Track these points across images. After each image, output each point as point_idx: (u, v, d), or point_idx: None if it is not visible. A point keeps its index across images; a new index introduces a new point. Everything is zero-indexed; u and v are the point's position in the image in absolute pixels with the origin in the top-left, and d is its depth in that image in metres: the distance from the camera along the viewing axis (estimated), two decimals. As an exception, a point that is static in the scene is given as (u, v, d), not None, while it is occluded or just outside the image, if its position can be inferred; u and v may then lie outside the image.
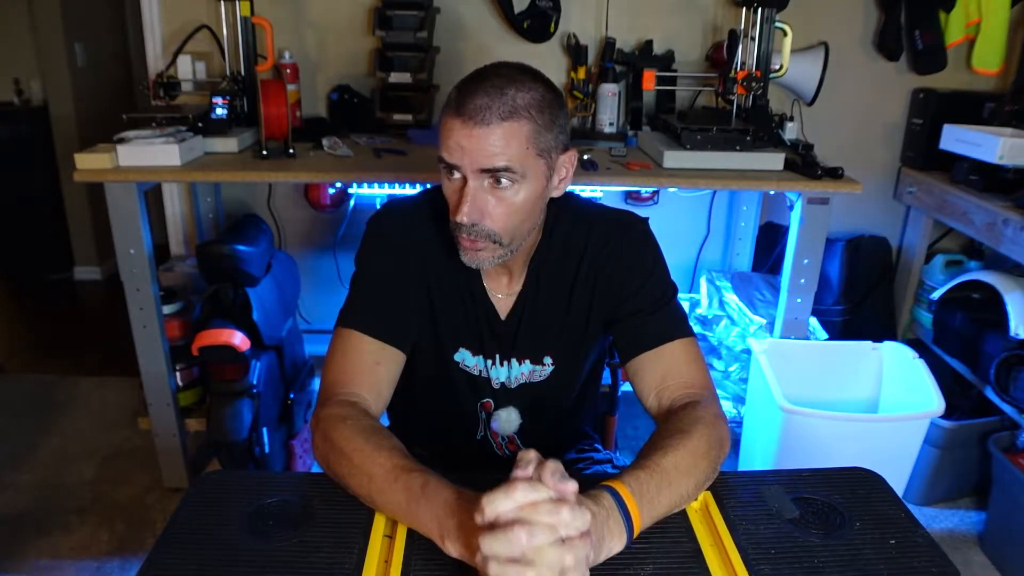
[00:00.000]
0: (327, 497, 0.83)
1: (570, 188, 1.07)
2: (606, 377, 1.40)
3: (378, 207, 1.15)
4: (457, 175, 0.93)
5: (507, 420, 1.12)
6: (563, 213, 1.08)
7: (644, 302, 1.03)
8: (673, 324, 1.03)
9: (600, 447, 1.29)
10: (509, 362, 1.10)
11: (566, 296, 1.08)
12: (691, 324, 1.06)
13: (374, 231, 1.08)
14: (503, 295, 1.09)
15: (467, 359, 1.10)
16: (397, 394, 1.08)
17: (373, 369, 0.99)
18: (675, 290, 1.07)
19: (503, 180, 0.92)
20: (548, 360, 1.10)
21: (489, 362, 1.10)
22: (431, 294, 1.07)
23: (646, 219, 1.10)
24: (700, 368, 1.01)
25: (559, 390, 1.13)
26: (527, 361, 1.09)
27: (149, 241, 1.83)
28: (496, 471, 1.01)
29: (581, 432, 1.29)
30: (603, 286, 1.06)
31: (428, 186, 1.77)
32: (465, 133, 0.90)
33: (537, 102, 0.92)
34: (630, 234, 1.07)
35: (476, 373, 1.11)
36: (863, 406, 2.00)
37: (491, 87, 0.90)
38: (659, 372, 1.00)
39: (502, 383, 1.11)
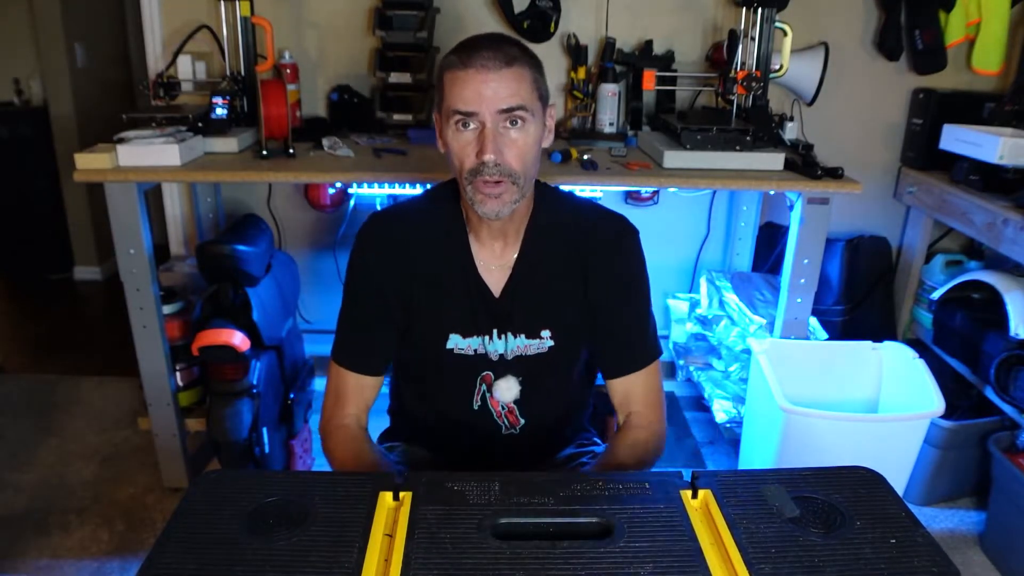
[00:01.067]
0: (327, 496, 0.83)
1: (571, 189, 1.09)
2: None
3: (377, 208, 1.18)
4: (472, 125, 1.03)
5: (507, 389, 1.17)
6: (550, 191, 1.19)
7: (630, 319, 1.17)
8: (646, 348, 1.17)
9: (599, 441, 1.33)
10: (505, 335, 1.14)
11: (560, 277, 1.14)
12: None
13: (353, 254, 1.16)
14: (496, 266, 1.14)
15: (459, 343, 1.14)
16: (398, 376, 1.28)
17: (357, 392, 1.16)
18: (650, 301, 1.20)
19: (518, 120, 1.02)
20: (546, 334, 1.15)
21: (486, 338, 1.14)
22: (418, 292, 1.13)
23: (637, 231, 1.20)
24: (659, 392, 1.18)
25: (558, 366, 1.18)
26: (522, 335, 1.15)
27: (149, 241, 1.83)
28: (495, 445, 1.16)
29: (581, 427, 1.33)
30: (593, 281, 1.15)
31: (427, 186, 1.78)
32: (481, 79, 1.00)
33: (526, 55, 1.05)
34: (631, 244, 1.17)
35: (471, 353, 1.15)
36: (863, 406, 2.00)
37: (489, 45, 1.02)
38: (626, 391, 1.17)
39: (500, 355, 1.15)
